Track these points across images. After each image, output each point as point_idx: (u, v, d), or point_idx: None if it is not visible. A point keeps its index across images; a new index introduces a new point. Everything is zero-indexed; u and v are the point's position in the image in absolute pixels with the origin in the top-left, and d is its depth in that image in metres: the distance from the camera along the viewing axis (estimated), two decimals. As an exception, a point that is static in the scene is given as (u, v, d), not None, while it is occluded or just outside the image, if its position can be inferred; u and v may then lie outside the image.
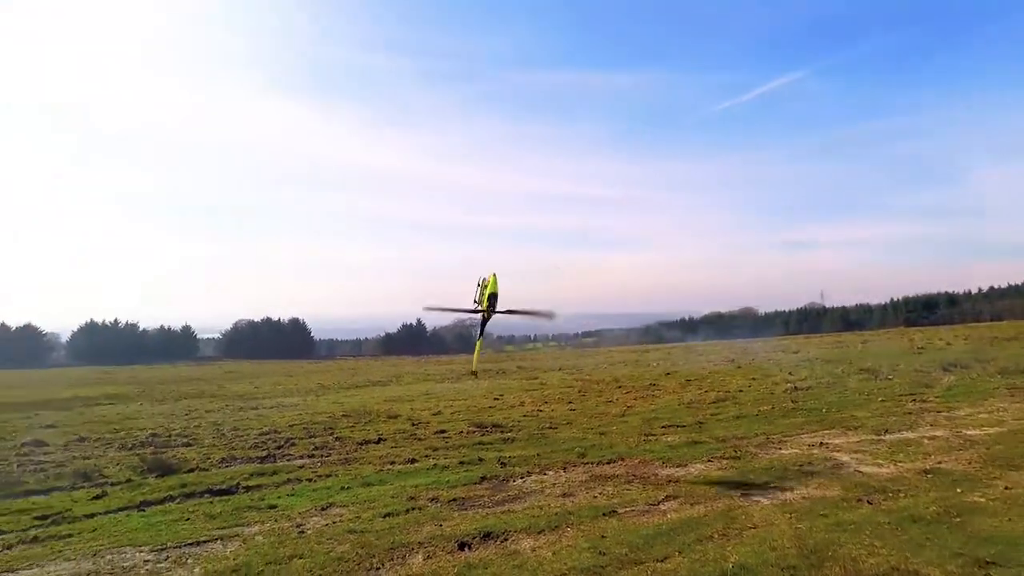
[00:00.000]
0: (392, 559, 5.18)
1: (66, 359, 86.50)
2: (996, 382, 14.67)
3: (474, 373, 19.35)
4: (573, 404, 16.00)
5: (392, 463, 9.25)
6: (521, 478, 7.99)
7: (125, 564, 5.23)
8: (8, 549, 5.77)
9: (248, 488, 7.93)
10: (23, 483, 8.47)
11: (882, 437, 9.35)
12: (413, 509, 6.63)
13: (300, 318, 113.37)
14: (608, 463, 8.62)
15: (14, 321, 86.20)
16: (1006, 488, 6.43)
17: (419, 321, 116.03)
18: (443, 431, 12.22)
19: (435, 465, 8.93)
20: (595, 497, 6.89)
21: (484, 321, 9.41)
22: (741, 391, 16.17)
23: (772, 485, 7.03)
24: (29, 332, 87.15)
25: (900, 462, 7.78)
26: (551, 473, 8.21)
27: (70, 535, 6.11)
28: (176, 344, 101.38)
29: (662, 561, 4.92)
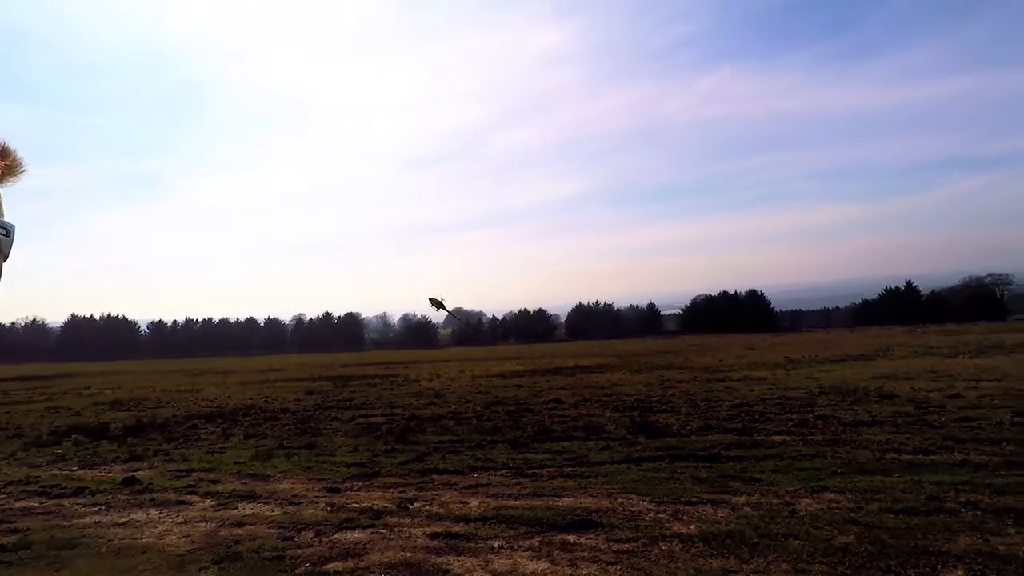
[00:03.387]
0: (918, 567, 4.18)
1: (563, 335, 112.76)
2: None
3: None
4: None
5: (896, 451, 7.70)
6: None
7: (633, 509, 5.92)
8: (552, 479, 7.41)
9: (729, 458, 7.95)
10: (553, 431, 10.84)
11: None
12: (938, 511, 5.26)
13: (758, 289, 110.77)
14: None
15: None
16: None
17: (909, 284, 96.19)
18: (968, 419, 9.54)
19: (964, 461, 6.95)
20: None
21: None
22: None
23: None
24: (540, 314, 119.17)
25: None
26: None
27: (589, 476, 7.38)
28: (644, 320, 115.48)
29: None
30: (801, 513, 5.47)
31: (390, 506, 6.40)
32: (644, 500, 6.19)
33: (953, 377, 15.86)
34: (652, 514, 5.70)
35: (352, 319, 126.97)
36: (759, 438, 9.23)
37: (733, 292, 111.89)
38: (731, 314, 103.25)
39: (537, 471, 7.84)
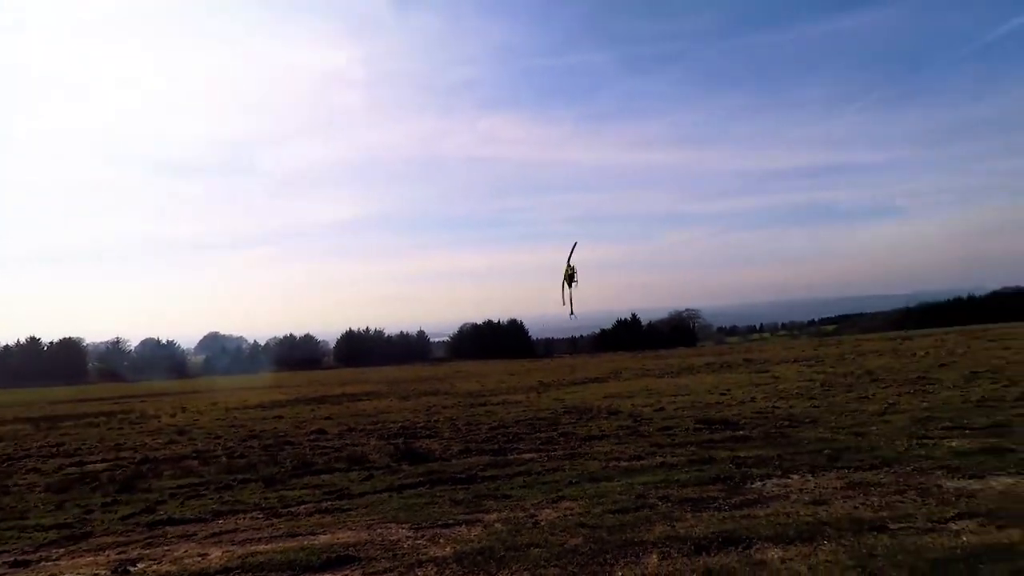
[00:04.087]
0: (626, 556, 5.06)
1: (332, 362, 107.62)
2: None
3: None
4: (816, 400, 14.17)
5: (617, 460, 9.16)
6: (760, 480, 7.25)
7: (391, 538, 5.98)
8: (309, 516, 7.06)
9: (485, 478, 8.55)
10: (314, 464, 10.35)
11: None
12: (643, 507, 6.43)
13: (518, 319, 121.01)
14: (869, 469, 7.36)
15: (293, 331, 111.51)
16: None
17: (634, 316, 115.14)
18: (667, 427, 11.79)
19: (662, 463, 8.60)
20: (855, 508, 5.90)
21: None
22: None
23: None
24: (308, 340, 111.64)
25: None
26: (796, 477, 7.30)
27: (350, 509, 7.24)
28: (414, 346, 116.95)
29: (965, 594, 3.95)
30: (542, 523, 6.15)
31: (103, 572, 5.40)
32: (404, 528, 6.30)
33: (660, 394, 19.41)
34: (410, 541, 5.83)
35: (70, 346, 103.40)
36: (512, 457, 10.09)
37: (497, 321, 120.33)
38: (495, 341, 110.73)
39: (293, 509, 7.41)
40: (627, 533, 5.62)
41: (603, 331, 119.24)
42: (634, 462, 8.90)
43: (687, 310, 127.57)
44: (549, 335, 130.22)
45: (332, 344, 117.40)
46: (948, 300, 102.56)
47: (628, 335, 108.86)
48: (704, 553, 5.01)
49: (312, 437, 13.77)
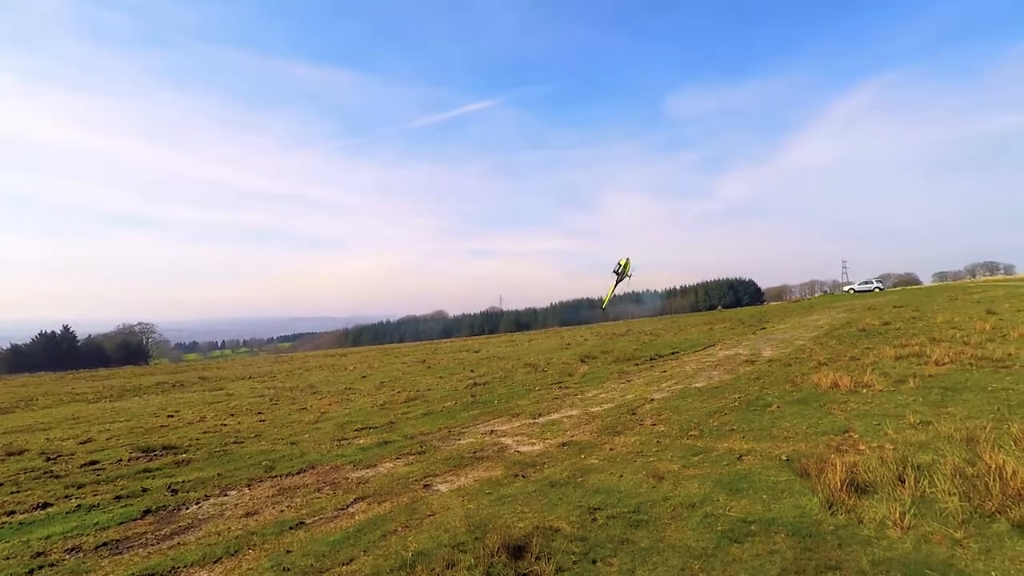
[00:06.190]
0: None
1: None
2: (611, 368, 19.16)
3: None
4: (263, 415, 15.03)
5: (10, 514, 7.31)
6: (196, 504, 7.26)
7: None
8: None
9: None
10: None
11: (536, 420, 11.36)
12: (41, 567, 5.42)
13: None
14: (298, 473, 8.46)
15: None
16: (610, 449, 8.58)
17: (67, 328, 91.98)
18: (94, 462, 10.15)
19: (79, 506, 7.40)
20: (282, 512, 6.72)
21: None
22: (430, 389, 17.53)
23: (450, 473, 7.95)
24: None
25: (547, 439, 9.61)
26: (233, 493, 7.66)
27: None
28: None
29: (347, 564, 5.14)
30: None
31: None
32: None
33: (91, 422, 16.39)
34: None
35: None
36: None
37: None
38: None
39: None
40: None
41: (15, 347, 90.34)
42: (37, 512, 7.32)
43: (140, 324, 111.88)
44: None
45: None
46: (375, 323, 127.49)
47: (55, 352, 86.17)
48: (121, 598, 4.70)
49: None
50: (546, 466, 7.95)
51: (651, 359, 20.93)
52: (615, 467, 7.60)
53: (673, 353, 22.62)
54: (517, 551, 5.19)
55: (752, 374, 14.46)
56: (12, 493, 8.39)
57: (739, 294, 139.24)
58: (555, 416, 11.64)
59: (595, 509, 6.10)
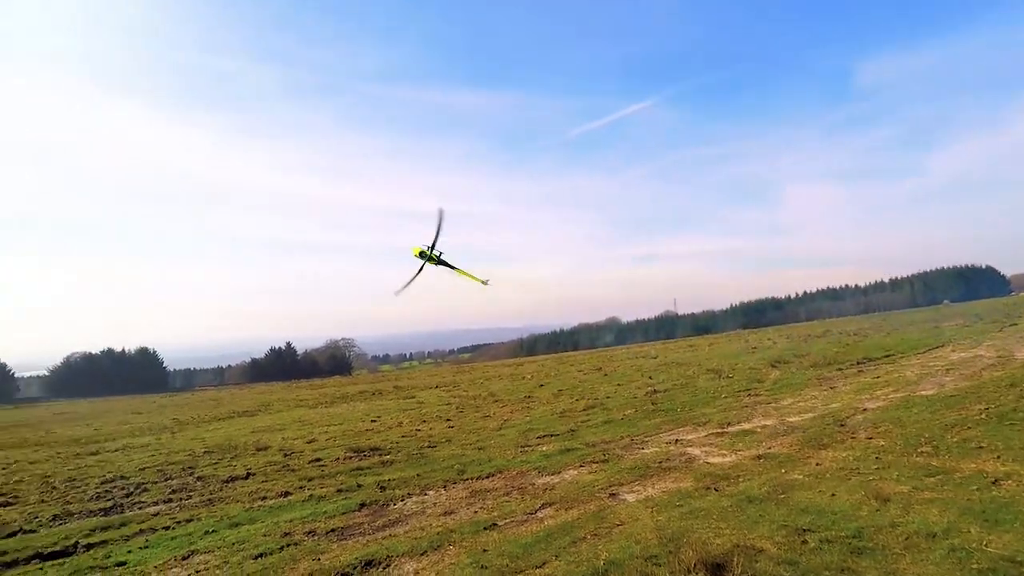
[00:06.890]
0: (267, 602, 4.95)
1: None
2: (809, 374, 17.18)
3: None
4: (451, 421, 16.10)
5: (263, 499, 8.72)
6: (401, 501, 7.96)
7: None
8: None
9: (89, 546, 7.05)
10: None
11: (725, 430, 10.57)
12: (288, 546, 6.35)
13: (150, 347, 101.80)
14: (487, 477, 8.86)
15: None
16: (816, 464, 7.63)
17: (289, 345, 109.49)
18: (318, 459, 11.72)
19: (311, 496, 8.57)
20: (475, 512, 7.07)
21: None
22: (608, 397, 17.33)
23: (636, 482, 7.70)
24: None
25: (739, 451, 8.87)
26: (432, 493, 8.27)
27: None
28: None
29: (540, 567, 5.21)
30: (167, 587, 5.47)
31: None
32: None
33: (313, 424, 19.06)
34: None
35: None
36: (131, 514, 8.55)
37: (121, 349, 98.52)
38: (117, 374, 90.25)
39: None
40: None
41: (254, 360, 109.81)
42: (282, 499, 8.63)
43: (343, 339, 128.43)
44: (189, 365, 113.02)
45: None
46: (549, 332, 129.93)
47: (282, 364, 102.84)
48: (347, 580, 5.29)
49: None
50: (741, 479, 7.32)
51: (858, 363, 18.41)
52: (824, 484, 6.74)
53: (887, 356, 19.65)
54: (716, 569, 4.81)
55: (1003, 380, 11.94)
56: (263, 482, 10.01)
57: (974, 285, 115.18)
58: (746, 426, 10.73)
59: (805, 530, 5.44)
